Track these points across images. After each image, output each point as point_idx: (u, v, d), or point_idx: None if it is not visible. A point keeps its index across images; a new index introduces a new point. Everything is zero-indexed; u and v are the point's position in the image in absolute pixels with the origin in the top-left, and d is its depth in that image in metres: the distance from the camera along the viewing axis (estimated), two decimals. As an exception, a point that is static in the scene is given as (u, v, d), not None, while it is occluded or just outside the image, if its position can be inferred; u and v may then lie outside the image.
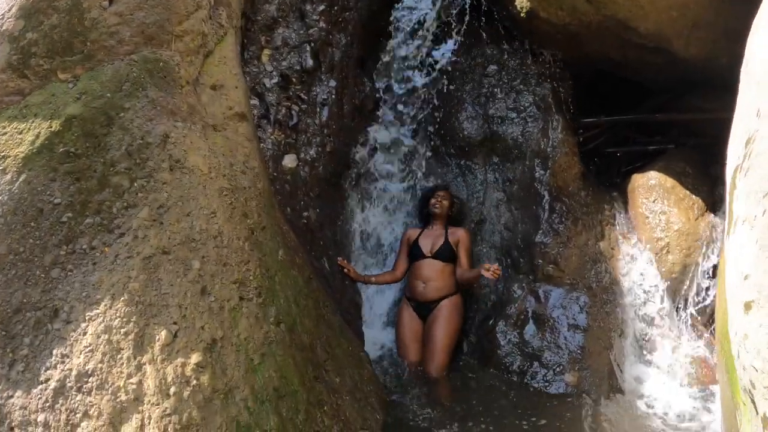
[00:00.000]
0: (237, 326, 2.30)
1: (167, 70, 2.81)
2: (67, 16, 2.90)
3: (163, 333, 2.24)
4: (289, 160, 3.96)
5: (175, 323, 2.25)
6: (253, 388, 2.23)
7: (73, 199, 2.47)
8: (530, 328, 3.97)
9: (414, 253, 4.11)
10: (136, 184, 2.48)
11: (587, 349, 3.95)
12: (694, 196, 4.44)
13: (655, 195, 4.39)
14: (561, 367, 3.89)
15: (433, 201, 4.16)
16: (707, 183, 4.67)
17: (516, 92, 4.49)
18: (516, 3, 4.25)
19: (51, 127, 2.61)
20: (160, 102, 2.70)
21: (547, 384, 3.87)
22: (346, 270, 3.95)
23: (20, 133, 2.64)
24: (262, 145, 3.90)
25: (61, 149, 2.56)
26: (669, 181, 4.45)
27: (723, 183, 4.86)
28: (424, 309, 3.98)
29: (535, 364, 3.90)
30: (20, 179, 2.51)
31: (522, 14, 4.24)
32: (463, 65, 4.68)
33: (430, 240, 4.11)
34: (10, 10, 3.01)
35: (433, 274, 4.00)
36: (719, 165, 4.92)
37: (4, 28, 2.95)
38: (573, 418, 3.68)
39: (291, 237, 2.80)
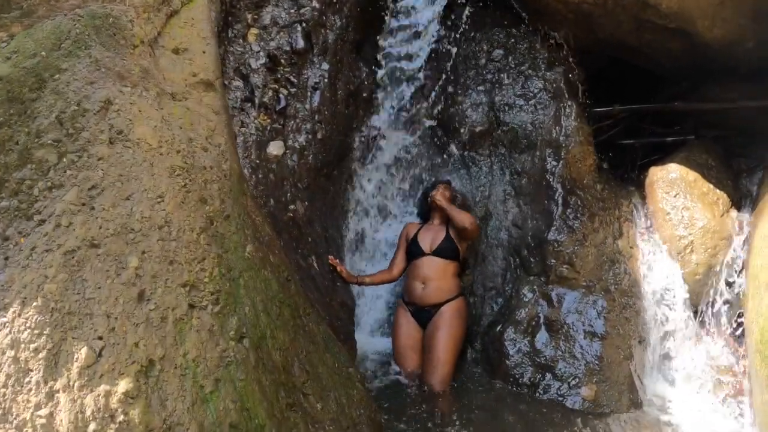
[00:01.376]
0: (184, 343, 1.64)
1: (118, 27, 2.16)
2: (4, -33, 2.26)
3: (84, 351, 1.58)
4: (274, 147, 3.30)
5: (100, 338, 1.59)
6: (201, 426, 1.57)
7: (-15, 178, 1.82)
8: (542, 336, 3.30)
9: (412, 250, 3.43)
10: (65, 160, 1.82)
11: (605, 359, 3.29)
12: (718, 191, 3.77)
13: (677, 189, 3.73)
14: (577, 379, 3.22)
15: (432, 193, 3.50)
16: (730, 176, 4.02)
17: (524, 77, 3.83)
18: (526, -21, 3.61)
19: (-30, 91, 1.96)
20: (106, 63, 2.05)
21: (561, 398, 3.20)
22: (337, 269, 3.28)
23: (-66, 101, 1.99)
24: (244, 129, 3.26)
25: (-22, 117, 1.92)
26: (691, 174, 3.79)
27: (747, 176, 4.28)
28: (424, 314, 3.31)
29: (548, 376, 3.23)
30: (-76, 154, 1.86)
31: (532, -9, 3.60)
32: (466, 50, 4.03)
33: (429, 235, 3.44)
34: (-59, -37, 2.38)
35: (433, 274, 3.32)
36: (742, 157, 4.32)
37: (-68, -18, 2.32)
38: (591, 436, 3.03)
39: (265, 230, 2.14)
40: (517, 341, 3.31)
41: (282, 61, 3.61)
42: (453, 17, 3.99)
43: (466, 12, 4.05)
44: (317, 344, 2.14)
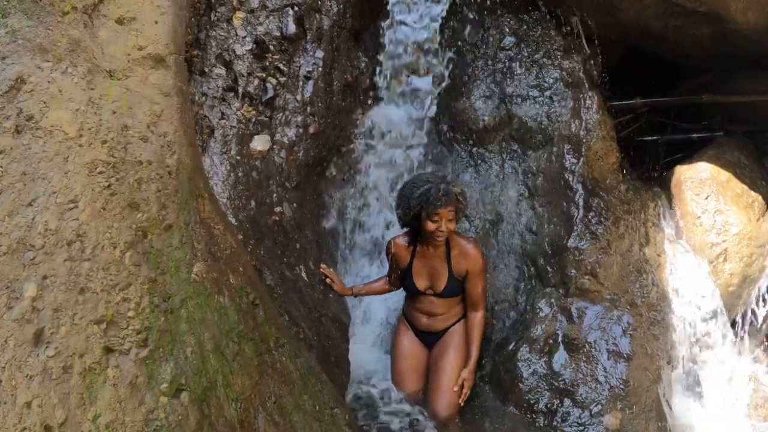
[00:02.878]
0: (95, 402, 1.13)
1: (45, -10, 1.66)
2: None
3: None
4: (259, 142, 2.78)
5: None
6: None
7: None
8: (561, 356, 2.77)
9: (408, 287, 2.76)
10: (-48, 154, 1.33)
11: (632, 383, 2.75)
12: (753, 192, 3.23)
13: (708, 190, 3.18)
14: (600, 406, 2.69)
15: (431, 227, 2.51)
16: (764, 176, 3.46)
17: (539, 67, 3.28)
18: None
19: None
20: (26, 34, 1.54)
21: (582, 428, 2.67)
22: (328, 280, 2.74)
23: None
24: (224, 122, 2.74)
25: None
26: (723, 174, 3.24)
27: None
28: (430, 336, 2.77)
29: (567, 402, 2.70)
30: None
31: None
32: (474, 37, 3.49)
33: (426, 270, 2.69)
34: None
35: (437, 310, 2.72)
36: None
37: None
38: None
39: (227, 242, 1.63)
40: (532, 362, 2.77)
41: (271, 47, 3.10)
42: (459, 2, 3.44)
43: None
44: (292, 384, 1.62)
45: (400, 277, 2.77)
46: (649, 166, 3.77)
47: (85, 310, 1.19)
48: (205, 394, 1.28)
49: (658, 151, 3.76)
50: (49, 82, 1.45)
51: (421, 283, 2.70)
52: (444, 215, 2.52)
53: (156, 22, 1.78)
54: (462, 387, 2.60)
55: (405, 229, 2.75)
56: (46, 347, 1.15)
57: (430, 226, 2.53)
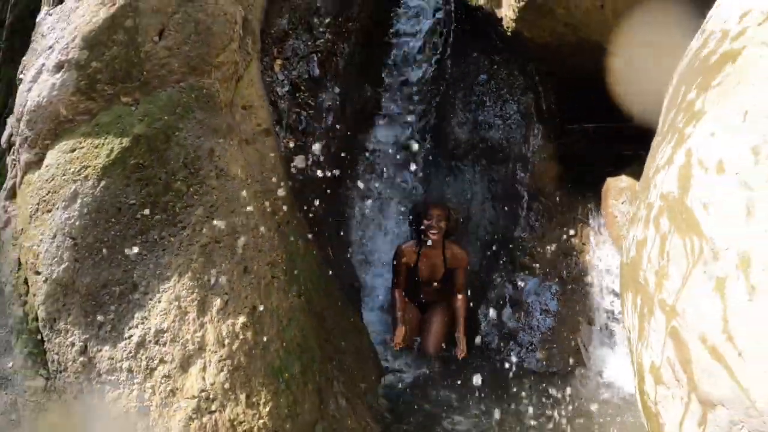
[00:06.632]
0: (270, 297, 3.57)
1: (209, 95, 4.04)
2: (125, 49, 4.09)
3: (218, 301, 3.50)
4: (299, 161, 5.21)
5: (226, 294, 3.52)
6: (283, 343, 3.51)
7: (144, 200, 3.72)
8: (507, 312, 5.26)
9: (412, 277, 5.20)
10: (191, 189, 3.73)
11: (556, 331, 5.25)
12: (660, 198, 5.71)
13: (625, 197, 5.67)
14: (533, 345, 5.19)
15: (427, 224, 5.05)
16: (675, 185, 5.95)
17: (503, 101, 5.74)
18: (503, 23, 5.48)
19: (122, 143, 3.84)
20: (206, 122, 3.94)
21: (520, 359, 5.17)
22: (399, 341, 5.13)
23: (96, 148, 3.87)
24: (276, 148, 5.16)
25: (132, 161, 3.80)
26: (638, 185, 5.72)
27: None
28: (422, 304, 5.30)
29: (511, 342, 5.21)
30: (100, 185, 3.75)
31: (508, 33, 5.47)
32: (456, 74, 5.92)
33: (428, 266, 5.17)
34: (73, 40, 4.21)
35: (433, 295, 5.30)
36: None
37: (70, 56, 4.14)
38: (542, 390, 4.99)
39: (307, 229, 4.07)
40: (487, 316, 5.26)
41: (302, 87, 5.51)
42: (446, 44, 5.87)
43: (450, 42, 5.95)
44: (339, 306, 4.09)
45: (408, 272, 5.20)
46: (596, 177, 6.24)
47: (263, 259, 3.61)
48: (309, 299, 3.73)
49: (603, 165, 6.22)
50: (225, 150, 3.86)
51: (423, 272, 5.22)
52: (435, 214, 5.09)
53: (262, 107, 4.19)
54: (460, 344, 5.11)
55: (411, 240, 5.27)
56: (249, 274, 3.58)
57: (426, 222, 5.05)
